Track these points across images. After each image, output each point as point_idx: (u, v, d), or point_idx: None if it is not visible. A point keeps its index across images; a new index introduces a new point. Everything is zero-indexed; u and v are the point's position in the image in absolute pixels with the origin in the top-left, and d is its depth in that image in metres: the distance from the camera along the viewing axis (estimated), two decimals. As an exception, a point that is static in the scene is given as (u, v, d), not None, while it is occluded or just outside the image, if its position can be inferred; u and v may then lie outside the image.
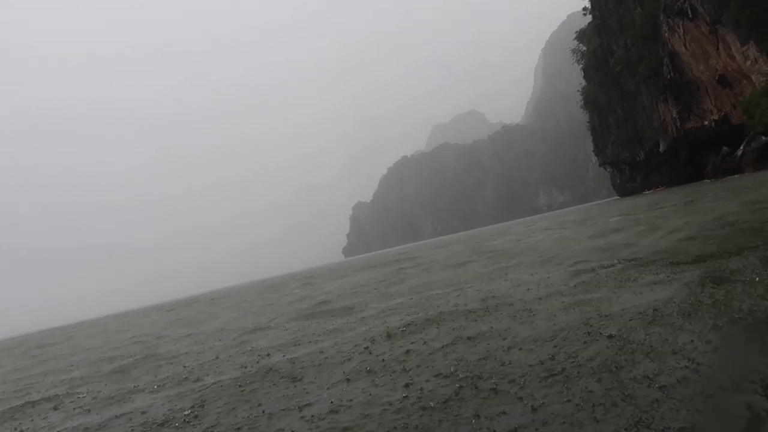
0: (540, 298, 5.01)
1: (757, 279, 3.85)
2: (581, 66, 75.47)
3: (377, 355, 3.98)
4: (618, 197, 72.76)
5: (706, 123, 49.69)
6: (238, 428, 2.91)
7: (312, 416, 2.84)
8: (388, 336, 4.64)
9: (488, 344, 3.63)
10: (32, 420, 4.41)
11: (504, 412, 2.40)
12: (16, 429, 4.20)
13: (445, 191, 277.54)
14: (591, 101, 72.25)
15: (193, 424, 3.18)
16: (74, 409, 4.50)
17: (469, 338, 3.91)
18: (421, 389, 2.92)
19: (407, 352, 3.89)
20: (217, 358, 5.66)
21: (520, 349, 3.37)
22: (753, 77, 39.95)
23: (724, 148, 44.37)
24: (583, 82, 75.52)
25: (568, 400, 2.38)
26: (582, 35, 75.99)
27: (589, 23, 72.52)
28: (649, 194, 52.16)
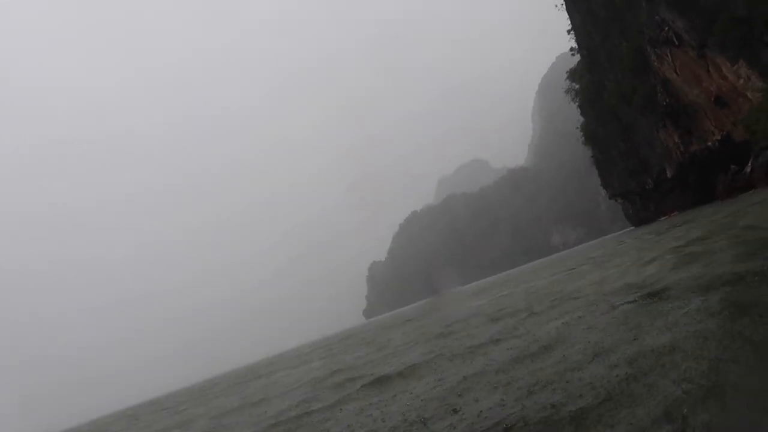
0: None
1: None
2: (577, 103, 76.68)
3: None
4: (633, 227, 72.20)
5: (710, 144, 49.75)
6: None
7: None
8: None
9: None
10: None
11: None
12: None
13: (458, 242, 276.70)
14: (591, 136, 72.91)
15: None
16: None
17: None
18: None
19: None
20: None
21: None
22: (749, 94, 40.26)
23: (732, 166, 44.27)
24: (581, 119, 76.49)
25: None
26: (573, 74, 77.63)
27: (578, 62, 74.19)
28: (665, 220, 51.72)
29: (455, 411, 5.26)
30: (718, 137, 48.19)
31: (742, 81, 40.49)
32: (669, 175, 57.08)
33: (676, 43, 46.44)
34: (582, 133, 76.46)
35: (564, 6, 69.93)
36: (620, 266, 15.03)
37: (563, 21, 72.86)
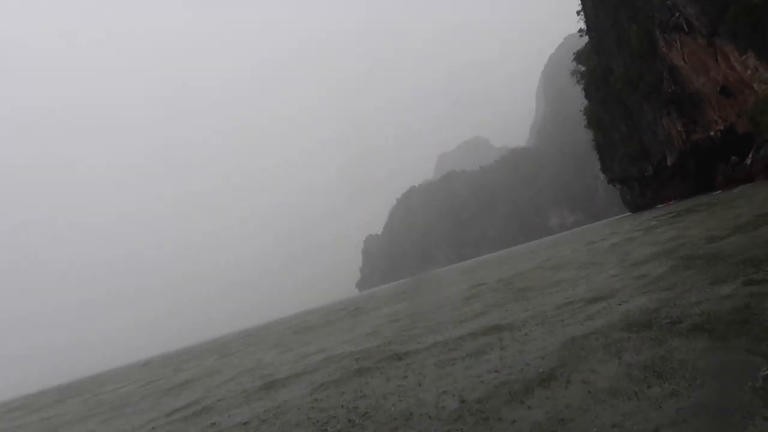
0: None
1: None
2: (582, 86, 76.13)
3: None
4: (630, 213, 72.39)
5: (712, 134, 49.61)
6: None
7: None
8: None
9: None
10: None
11: None
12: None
13: (455, 219, 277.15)
14: (594, 120, 72.59)
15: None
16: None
17: None
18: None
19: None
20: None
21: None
22: (755, 86, 40.03)
23: (733, 157, 44.26)
24: (585, 102, 76.04)
25: None
26: (580, 56, 76.92)
27: (586, 44, 73.45)
28: (662, 207, 51.84)
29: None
30: (721, 127, 48.03)
31: (749, 72, 40.21)
32: (669, 162, 57.03)
33: (686, 29, 45.95)
34: (585, 117, 76.12)
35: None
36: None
37: (574, 1, 72.02)
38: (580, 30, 73.36)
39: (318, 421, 5.16)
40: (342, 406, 5.50)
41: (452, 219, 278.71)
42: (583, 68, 75.70)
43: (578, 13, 71.45)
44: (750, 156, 40.42)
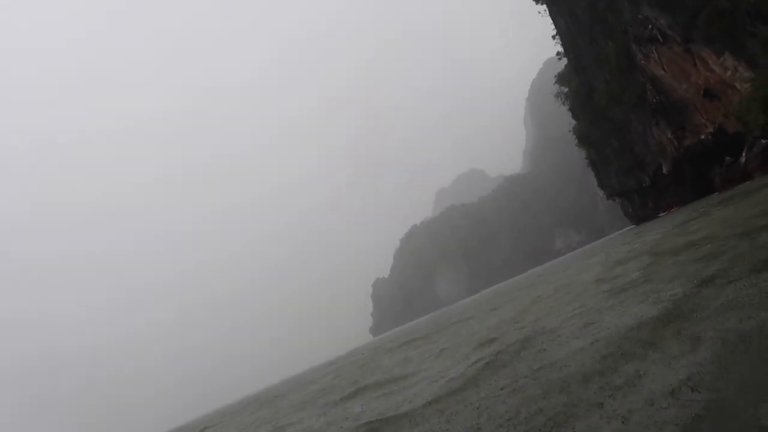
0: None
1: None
2: (567, 107, 77.00)
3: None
4: (633, 226, 72.17)
5: (703, 137, 49.91)
6: None
7: None
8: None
9: None
10: None
11: None
12: None
13: (461, 253, 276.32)
14: (584, 138, 73.07)
15: None
16: None
17: None
18: None
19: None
20: None
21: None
22: (737, 85, 40.46)
23: (727, 158, 44.39)
24: (573, 122, 76.75)
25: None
26: (561, 78, 78.05)
27: (565, 66, 74.63)
28: (665, 216, 51.68)
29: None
30: (711, 130, 48.36)
31: (729, 72, 40.71)
32: (665, 171, 57.17)
33: (661, 40, 46.79)
34: (575, 136, 76.66)
35: (547, 12, 70.60)
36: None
37: (548, 27, 73.55)
38: (558, 53, 74.68)
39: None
40: None
41: (457, 253, 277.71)
42: (566, 89, 76.69)
43: (554, 37, 72.87)
44: (743, 154, 40.50)
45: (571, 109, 75.01)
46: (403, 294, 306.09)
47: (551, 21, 71.26)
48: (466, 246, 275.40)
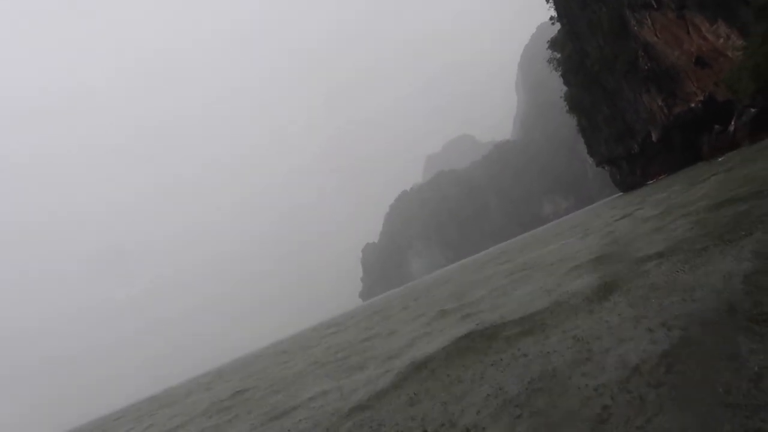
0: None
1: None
2: (560, 73, 76.54)
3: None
4: (621, 193, 72.76)
5: (693, 105, 49.99)
6: None
7: None
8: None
9: None
10: None
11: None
12: None
13: (450, 218, 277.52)
14: (576, 105, 72.93)
15: None
16: None
17: None
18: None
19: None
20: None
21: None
22: (729, 53, 40.40)
23: (716, 126, 44.62)
24: (564, 88, 76.44)
25: None
26: (554, 43, 77.35)
27: (558, 31, 73.92)
28: (653, 184, 52.14)
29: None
30: (701, 98, 48.42)
31: (722, 40, 40.59)
32: (654, 138, 57.39)
33: (655, 6, 46.38)
34: (566, 102, 76.46)
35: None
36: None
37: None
38: (551, 18, 73.81)
39: None
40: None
41: (447, 219, 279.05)
42: (559, 55, 76.11)
43: (547, 1, 71.92)
44: (732, 123, 40.74)
45: (563, 75, 74.61)
46: (392, 259, 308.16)
47: (545, -16, 70.30)
48: (456, 212, 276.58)
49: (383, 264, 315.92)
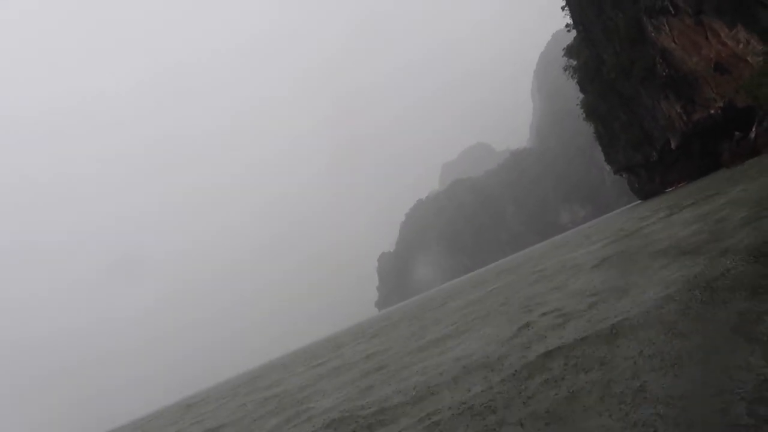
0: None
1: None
2: (576, 80, 75.97)
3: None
4: (640, 201, 71.79)
5: (712, 112, 49.19)
6: None
7: None
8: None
9: None
10: None
11: None
12: None
13: (466, 227, 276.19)
14: (592, 112, 72.30)
15: None
16: None
17: None
18: None
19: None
20: None
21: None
22: (749, 59, 39.73)
23: (736, 132, 43.82)
24: (581, 95, 75.84)
25: None
26: (570, 50, 76.86)
27: (574, 38, 73.44)
28: (672, 191, 51.34)
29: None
30: (721, 104, 47.63)
31: (741, 45, 39.92)
32: (673, 145, 56.56)
33: (672, 11, 45.83)
34: (583, 110, 75.81)
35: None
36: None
37: (557, -2, 72.16)
38: (567, 25, 73.37)
39: None
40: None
41: (463, 227, 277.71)
42: (575, 62, 75.59)
43: (563, 8, 71.57)
44: (753, 130, 40.01)
45: (580, 83, 74.03)
46: (408, 268, 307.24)
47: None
48: (472, 220, 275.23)
49: (399, 273, 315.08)
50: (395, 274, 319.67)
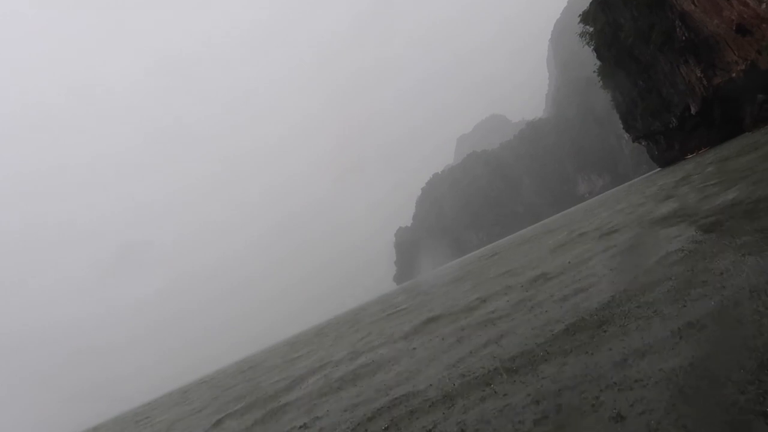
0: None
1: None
2: (592, 47, 74.52)
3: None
4: (659, 169, 70.87)
5: (734, 75, 48.03)
6: None
7: None
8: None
9: None
10: None
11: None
12: None
13: (482, 200, 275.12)
14: (609, 79, 71.09)
15: None
16: None
17: None
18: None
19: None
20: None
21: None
22: (772, 19, 38.61)
23: (759, 96, 42.87)
24: (597, 63, 74.47)
25: None
26: (586, 17, 75.18)
27: (590, 3, 71.79)
28: (692, 158, 50.56)
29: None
30: (743, 67, 46.46)
31: (764, 6, 38.78)
32: (693, 111, 55.46)
33: (692, -28, 44.57)
34: (600, 77, 74.53)
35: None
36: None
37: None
38: (583, -9, 71.82)
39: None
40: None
41: (479, 200, 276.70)
42: (591, 29, 74.01)
43: (578, -27, 69.97)
44: (777, 92, 39.09)
45: (596, 50, 72.59)
46: (425, 241, 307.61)
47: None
48: (488, 193, 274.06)
49: (416, 247, 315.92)
50: (412, 248, 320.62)
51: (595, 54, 73.67)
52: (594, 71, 77.76)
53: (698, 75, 51.80)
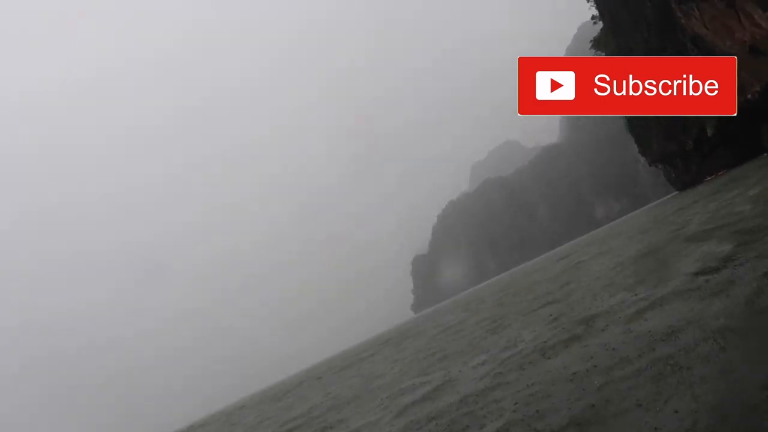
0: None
1: None
2: (604, 72, 74.80)
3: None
4: (677, 192, 70.22)
5: (750, 96, 47.77)
6: None
7: None
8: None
9: None
10: None
11: None
12: None
13: (499, 226, 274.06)
14: (623, 103, 71.08)
15: None
16: None
17: None
18: None
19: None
20: None
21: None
22: (786, 39, 38.56)
23: (777, 115, 42.62)
24: (611, 87, 74.63)
25: None
26: (598, 42, 75.74)
27: (601, 29, 72.40)
28: (711, 180, 50.07)
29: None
30: (758, 88, 46.25)
31: (777, 26, 38.81)
32: (710, 133, 55.08)
33: (702, -4, 44.84)
34: (613, 101, 74.59)
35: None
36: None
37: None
38: (593, 17, 72.44)
39: None
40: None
41: (495, 227, 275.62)
42: (603, 54, 74.49)
43: (588, 0, 70.75)
44: (794, 111, 38.80)
45: (609, 74, 72.85)
46: (443, 270, 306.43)
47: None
48: (504, 219, 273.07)
49: (432, 275, 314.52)
50: (430, 276, 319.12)
51: (608, 79, 73.91)
52: (607, 95, 77.90)
53: (713, 97, 51.55)
